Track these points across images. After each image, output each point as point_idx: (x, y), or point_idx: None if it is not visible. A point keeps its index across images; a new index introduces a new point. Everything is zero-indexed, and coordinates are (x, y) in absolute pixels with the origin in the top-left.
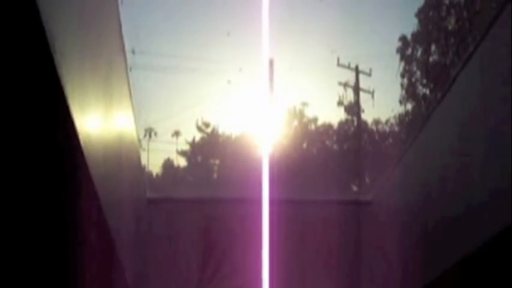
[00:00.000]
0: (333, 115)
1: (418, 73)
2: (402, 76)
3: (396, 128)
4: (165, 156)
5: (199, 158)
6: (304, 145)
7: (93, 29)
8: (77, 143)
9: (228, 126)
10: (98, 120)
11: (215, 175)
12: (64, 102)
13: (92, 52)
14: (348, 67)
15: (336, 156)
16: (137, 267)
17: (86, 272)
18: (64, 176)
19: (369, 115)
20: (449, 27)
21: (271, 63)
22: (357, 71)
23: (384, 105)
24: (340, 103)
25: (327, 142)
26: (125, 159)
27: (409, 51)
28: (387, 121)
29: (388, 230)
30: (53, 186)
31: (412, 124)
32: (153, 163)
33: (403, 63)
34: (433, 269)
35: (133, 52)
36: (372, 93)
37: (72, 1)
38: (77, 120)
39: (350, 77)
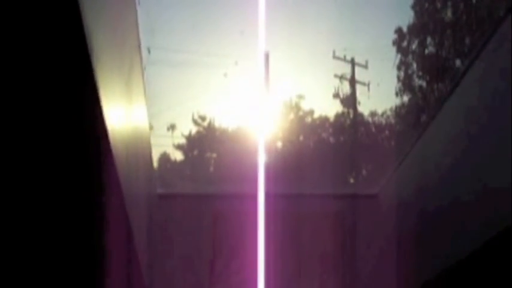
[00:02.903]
0: (329, 108)
1: (414, 65)
2: (398, 68)
3: (392, 120)
4: (161, 150)
5: (195, 152)
6: (301, 138)
7: (119, 28)
8: (105, 139)
9: (224, 120)
10: (122, 114)
11: (212, 168)
12: (97, 97)
13: (118, 50)
14: (344, 59)
15: (332, 149)
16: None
17: (107, 256)
18: (92, 164)
19: (365, 107)
20: (446, 19)
21: (267, 56)
22: (353, 63)
23: (380, 98)
24: (336, 95)
25: (324, 135)
26: (141, 154)
27: (405, 43)
28: (383, 113)
29: (390, 224)
30: (81, 176)
31: (410, 117)
32: None
33: (399, 56)
34: (437, 265)
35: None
36: (368, 86)
37: (106, 5)
38: (106, 114)
39: (346, 69)
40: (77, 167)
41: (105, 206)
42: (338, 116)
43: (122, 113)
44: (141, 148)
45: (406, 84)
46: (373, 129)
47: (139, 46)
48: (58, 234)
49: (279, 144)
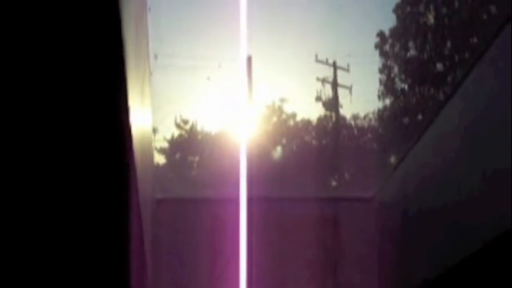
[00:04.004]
0: (312, 111)
1: (396, 68)
2: (380, 72)
3: (374, 123)
4: None
5: (178, 155)
6: (284, 141)
7: (138, 35)
8: (130, 142)
9: (207, 123)
10: (140, 118)
11: (194, 172)
12: (126, 101)
13: (138, 56)
14: (326, 63)
15: (315, 152)
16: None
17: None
18: (119, 165)
19: (347, 110)
20: (428, 23)
21: (249, 59)
22: (335, 66)
23: (362, 101)
24: (318, 99)
25: (306, 138)
26: (148, 157)
27: (387, 47)
28: (365, 116)
29: (385, 228)
30: (107, 175)
31: (392, 120)
32: None
33: (381, 59)
34: (434, 268)
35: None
36: (350, 89)
37: (136, 12)
38: (131, 117)
39: (328, 72)
40: (104, 167)
41: (128, 206)
42: (320, 119)
43: (140, 117)
44: (147, 151)
45: (388, 88)
46: (355, 132)
47: (148, 52)
48: (83, 230)
49: (262, 147)
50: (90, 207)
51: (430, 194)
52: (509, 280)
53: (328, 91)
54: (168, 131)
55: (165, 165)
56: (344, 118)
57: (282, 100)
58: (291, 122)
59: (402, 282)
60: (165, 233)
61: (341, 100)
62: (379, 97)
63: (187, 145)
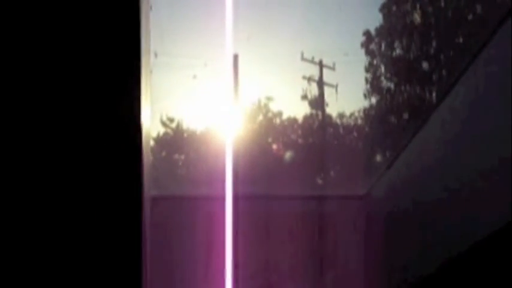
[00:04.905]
0: (298, 109)
1: (382, 67)
2: (366, 70)
3: (360, 122)
4: None
5: (163, 153)
6: (269, 139)
7: (147, 33)
8: (140, 140)
9: (193, 121)
10: (145, 114)
11: (179, 170)
12: (139, 98)
13: (146, 53)
14: (312, 61)
15: (301, 150)
16: None
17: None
18: (133, 164)
19: (333, 109)
20: (415, 22)
21: (235, 58)
22: (321, 65)
23: (348, 99)
24: (304, 97)
25: (292, 136)
26: (148, 155)
27: (373, 45)
28: (351, 115)
29: (377, 226)
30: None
31: (378, 118)
32: None
33: (367, 58)
34: (426, 265)
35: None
36: (336, 87)
37: (144, 13)
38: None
39: (314, 71)
40: (118, 164)
41: (140, 204)
42: (306, 118)
43: (145, 114)
44: (148, 149)
45: (374, 86)
46: (341, 130)
47: (149, 49)
48: (98, 229)
49: (248, 145)
50: (102, 204)
51: (426, 191)
52: (497, 279)
53: (314, 89)
54: (154, 128)
55: (150, 163)
56: (330, 116)
57: (268, 98)
58: (277, 121)
59: (396, 280)
60: (151, 230)
61: (327, 98)
62: (365, 96)
63: (173, 143)
